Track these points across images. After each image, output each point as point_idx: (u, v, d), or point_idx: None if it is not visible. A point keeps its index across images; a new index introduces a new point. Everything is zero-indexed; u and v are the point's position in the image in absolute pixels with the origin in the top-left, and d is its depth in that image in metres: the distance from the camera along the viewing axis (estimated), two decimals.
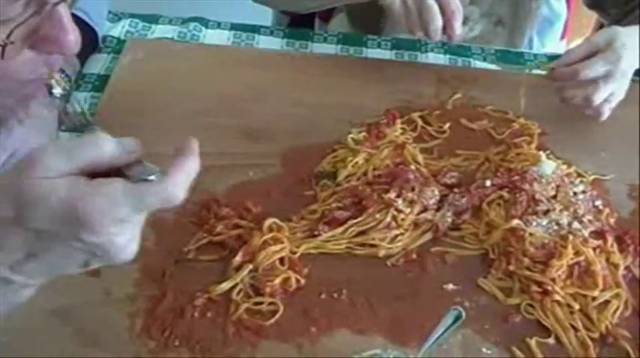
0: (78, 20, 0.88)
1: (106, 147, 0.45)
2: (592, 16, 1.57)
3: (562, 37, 1.26)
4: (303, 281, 0.69)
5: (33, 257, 0.45)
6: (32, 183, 0.43)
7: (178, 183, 0.46)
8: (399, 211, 0.74)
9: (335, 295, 0.69)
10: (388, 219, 0.73)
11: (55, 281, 0.67)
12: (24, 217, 0.44)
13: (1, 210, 0.44)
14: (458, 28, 0.86)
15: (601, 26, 1.36)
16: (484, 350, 0.66)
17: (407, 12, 0.86)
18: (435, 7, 0.84)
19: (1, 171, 0.71)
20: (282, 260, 0.70)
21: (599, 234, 0.74)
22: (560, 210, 0.75)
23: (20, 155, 0.72)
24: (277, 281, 0.68)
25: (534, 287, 0.70)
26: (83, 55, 0.90)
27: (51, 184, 0.43)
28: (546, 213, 0.75)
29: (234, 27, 1.04)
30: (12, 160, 0.72)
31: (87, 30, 0.91)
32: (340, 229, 0.73)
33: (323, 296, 0.69)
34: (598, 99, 0.83)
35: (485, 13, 1.08)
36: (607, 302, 0.70)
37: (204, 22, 1.04)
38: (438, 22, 0.84)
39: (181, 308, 0.67)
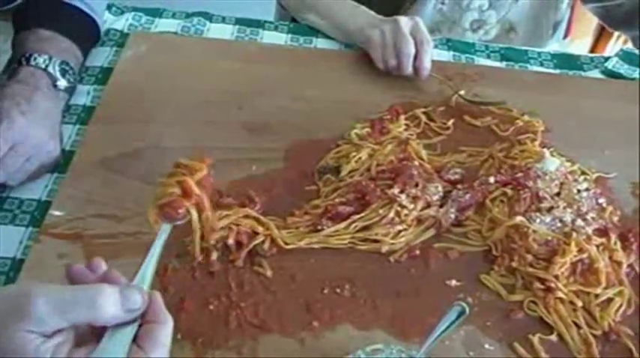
0: (78, 11, 0.89)
1: (105, 309, 0.44)
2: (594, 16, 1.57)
3: (565, 36, 1.27)
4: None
5: None
6: (17, 335, 0.42)
7: None
8: (403, 207, 0.74)
9: (338, 290, 0.69)
10: (391, 214, 0.73)
11: (57, 275, 0.68)
12: None
13: None
14: (426, 61, 0.91)
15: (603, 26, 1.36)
16: (487, 346, 0.66)
17: (384, 42, 0.93)
18: (410, 37, 0.91)
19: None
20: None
21: (602, 232, 0.74)
22: (564, 208, 0.75)
23: (22, 148, 0.72)
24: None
25: (537, 284, 0.69)
26: (85, 47, 0.90)
27: (35, 344, 0.42)
28: (550, 210, 0.75)
29: (238, 21, 1.04)
30: (12, 152, 0.72)
31: (88, 21, 0.91)
32: (343, 224, 0.73)
33: (326, 290, 0.69)
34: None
35: (501, 19, 1.13)
36: (610, 299, 0.69)
37: (209, 17, 1.04)
38: (411, 48, 0.91)
39: (183, 302, 0.66)
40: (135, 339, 0.46)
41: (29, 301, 0.43)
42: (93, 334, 0.46)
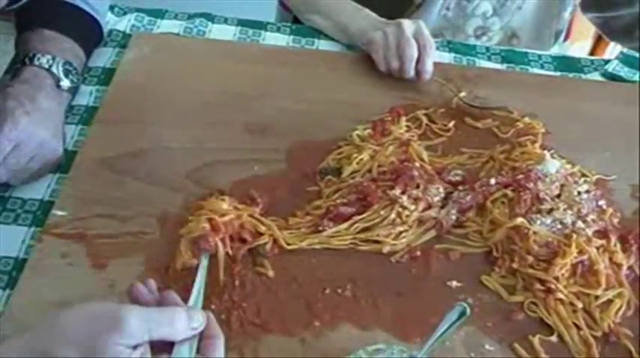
0: (81, 12, 0.89)
1: (179, 328, 0.54)
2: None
3: (565, 39, 1.27)
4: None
5: None
6: (111, 347, 0.49)
7: None
8: (404, 208, 0.74)
9: (339, 290, 0.69)
10: (393, 215, 0.73)
11: (59, 274, 0.68)
12: None
13: (67, 350, 0.49)
14: (428, 64, 0.92)
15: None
16: (487, 346, 0.66)
17: (386, 44, 0.93)
18: (412, 40, 0.92)
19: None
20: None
21: (602, 234, 0.75)
22: (564, 209, 0.75)
23: (25, 148, 0.72)
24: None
25: (537, 286, 0.70)
26: (88, 48, 0.90)
27: (126, 353, 0.50)
28: (550, 211, 0.75)
29: (240, 23, 1.04)
30: (15, 152, 0.72)
31: (90, 22, 0.91)
32: (345, 225, 0.73)
33: (327, 291, 0.69)
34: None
35: (504, 26, 1.15)
36: (610, 301, 0.70)
37: (211, 18, 1.04)
38: (414, 51, 0.91)
39: (184, 302, 0.67)
40: (198, 351, 0.55)
41: (121, 318, 0.50)
42: (158, 348, 0.54)
